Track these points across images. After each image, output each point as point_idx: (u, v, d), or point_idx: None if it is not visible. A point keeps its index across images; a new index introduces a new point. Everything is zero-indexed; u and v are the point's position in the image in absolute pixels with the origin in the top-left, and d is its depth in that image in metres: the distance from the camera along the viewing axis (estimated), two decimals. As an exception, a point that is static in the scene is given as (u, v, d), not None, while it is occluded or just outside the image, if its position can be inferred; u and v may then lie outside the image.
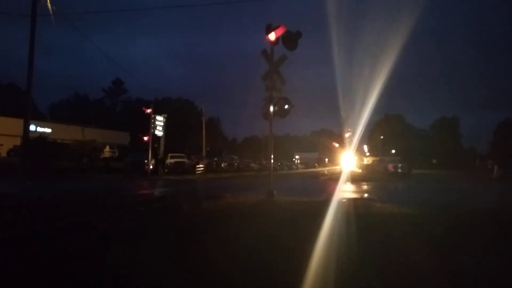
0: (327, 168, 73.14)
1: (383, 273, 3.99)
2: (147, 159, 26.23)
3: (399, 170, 33.41)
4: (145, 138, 27.06)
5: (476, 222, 7.15)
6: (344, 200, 11.89)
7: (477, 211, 8.68)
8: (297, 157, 78.15)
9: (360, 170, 45.43)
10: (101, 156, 39.62)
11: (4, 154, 36.95)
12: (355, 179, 26.31)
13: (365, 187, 20.23)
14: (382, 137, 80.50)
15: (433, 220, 7.30)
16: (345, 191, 16.51)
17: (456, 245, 5.31)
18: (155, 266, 4.10)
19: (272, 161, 11.20)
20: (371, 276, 3.89)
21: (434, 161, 73.98)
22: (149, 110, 27.13)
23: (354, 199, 12.49)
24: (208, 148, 59.37)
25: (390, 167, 34.04)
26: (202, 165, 32.18)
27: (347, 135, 31.30)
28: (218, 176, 30.57)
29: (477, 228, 6.60)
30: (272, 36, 10.13)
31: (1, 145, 38.26)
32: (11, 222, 6.80)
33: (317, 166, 79.47)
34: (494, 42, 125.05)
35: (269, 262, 4.24)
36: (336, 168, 36.76)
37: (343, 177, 26.50)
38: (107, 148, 45.94)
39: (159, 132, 28.36)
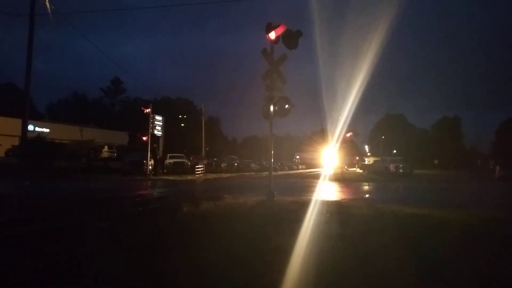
0: (328, 168, 72.81)
1: (383, 271, 4.06)
2: (146, 159, 26.01)
3: (401, 171, 33.21)
4: (144, 138, 26.79)
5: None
6: (344, 200, 11.72)
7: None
8: (297, 157, 77.81)
9: (361, 171, 45.29)
10: (100, 156, 39.38)
11: (2, 154, 36.74)
12: (356, 180, 26.14)
13: (366, 187, 20.05)
14: (383, 137, 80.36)
15: (428, 221, 7.12)
16: (346, 192, 16.35)
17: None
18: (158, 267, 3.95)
19: (272, 161, 11.00)
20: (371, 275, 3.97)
21: (436, 161, 73.72)
22: (148, 110, 26.83)
23: (355, 200, 12.34)
24: (207, 148, 59.13)
25: (391, 167, 33.85)
26: (201, 166, 31.87)
27: (348, 135, 31.01)
28: (218, 176, 30.35)
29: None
30: (272, 35, 9.97)
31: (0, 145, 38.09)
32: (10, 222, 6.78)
33: (318, 166, 79.19)
34: (496, 41, 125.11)
35: (269, 264, 4.18)
36: (337, 168, 36.54)
37: (344, 178, 26.35)
38: (106, 148, 45.68)
39: (158, 132, 28.10)
